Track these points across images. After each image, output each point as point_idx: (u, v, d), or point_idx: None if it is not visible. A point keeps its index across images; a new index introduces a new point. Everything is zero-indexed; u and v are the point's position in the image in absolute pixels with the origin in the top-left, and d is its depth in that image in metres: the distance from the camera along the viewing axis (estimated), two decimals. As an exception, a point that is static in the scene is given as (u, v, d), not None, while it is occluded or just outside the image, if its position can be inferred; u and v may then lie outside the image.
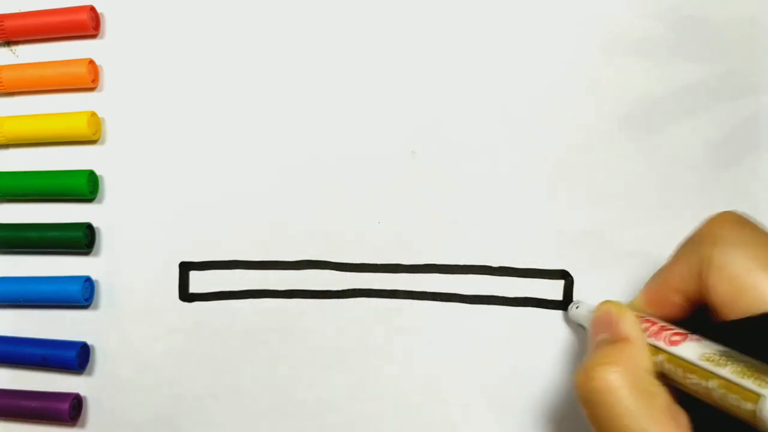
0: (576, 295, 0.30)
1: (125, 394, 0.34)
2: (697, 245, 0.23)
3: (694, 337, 0.22)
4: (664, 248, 0.30)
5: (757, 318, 0.19)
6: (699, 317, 0.23)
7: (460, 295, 0.31)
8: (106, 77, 0.34)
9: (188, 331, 0.33)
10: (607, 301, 0.25)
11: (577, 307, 0.29)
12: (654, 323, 0.23)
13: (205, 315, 0.33)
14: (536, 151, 0.31)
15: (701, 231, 0.23)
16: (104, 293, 0.34)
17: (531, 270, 0.31)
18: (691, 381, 0.21)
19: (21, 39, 0.35)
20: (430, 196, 0.32)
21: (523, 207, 0.31)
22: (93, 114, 0.34)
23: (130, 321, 0.34)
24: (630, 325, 0.23)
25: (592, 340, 0.25)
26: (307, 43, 0.33)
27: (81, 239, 0.33)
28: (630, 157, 0.30)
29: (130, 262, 0.34)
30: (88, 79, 0.34)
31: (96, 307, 0.34)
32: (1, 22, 0.34)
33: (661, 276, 0.25)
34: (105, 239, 0.34)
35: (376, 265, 0.32)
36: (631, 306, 0.25)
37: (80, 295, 0.33)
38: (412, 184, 0.32)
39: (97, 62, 0.34)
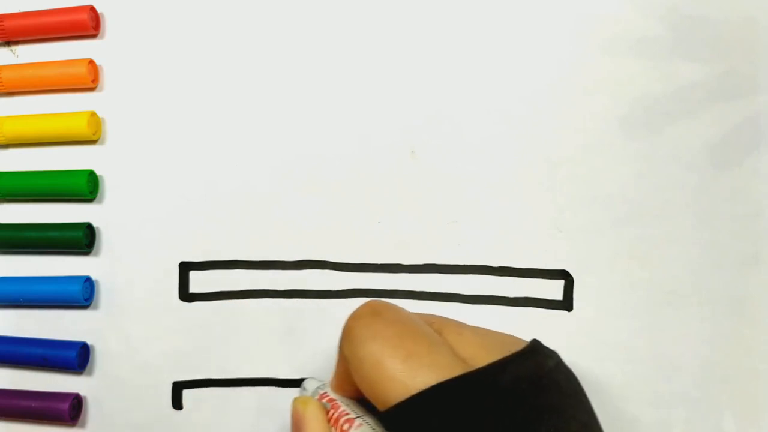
0: (576, 294, 0.30)
1: (125, 394, 0.34)
2: (341, 345, 0.23)
3: (360, 422, 0.22)
4: (664, 248, 0.30)
5: (392, 410, 0.20)
6: None
7: (460, 295, 0.31)
8: (106, 77, 0.34)
9: (188, 331, 0.33)
10: (295, 399, 0.26)
11: (304, 389, 0.29)
12: (337, 407, 0.24)
13: (205, 315, 0.33)
14: (536, 151, 0.31)
15: (343, 329, 0.23)
16: (104, 293, 0.34)
17: (531, 270, 0.31)
18: None
19: (21, 39, 0.35)
20: (430, 196, 0.32)
21: (523, 207, 0.31)
22: (93, 114, 0.34)
23: (130, 321, 0.34)
24: (310, 423, 0.24)
25: None
26: (307, 43, 0.33)
27: (81, 239, 0.33)
28: (630, 157, 0.30)
29: (130, 262, 0.34)
30: (88, 79, 0.34)
31: (96, 307, 0.34)
32: (1, 22, 0.34)
33: (335, 368, 0.25)
34: (105, 239, 0.34)
35: (376, 265, 0.32)
36: (330, 386, 0.26)
37: (80, 295, 0.33)
38: (412, 184, 0.32)
39: (97, 62, 0.34)
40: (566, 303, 0.31)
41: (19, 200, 0.35)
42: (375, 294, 0.32)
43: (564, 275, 0.31)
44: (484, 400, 0.19)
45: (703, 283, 0.30)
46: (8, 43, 0.35)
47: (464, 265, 0.31)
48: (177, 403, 0.33)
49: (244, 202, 0.33)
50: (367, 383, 0.21)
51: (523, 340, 0.23)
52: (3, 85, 0.34)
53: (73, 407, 0.33)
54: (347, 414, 0.23)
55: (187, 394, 0.33)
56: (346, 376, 0.23)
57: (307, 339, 0.32)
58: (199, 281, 0.33)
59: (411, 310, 0.31)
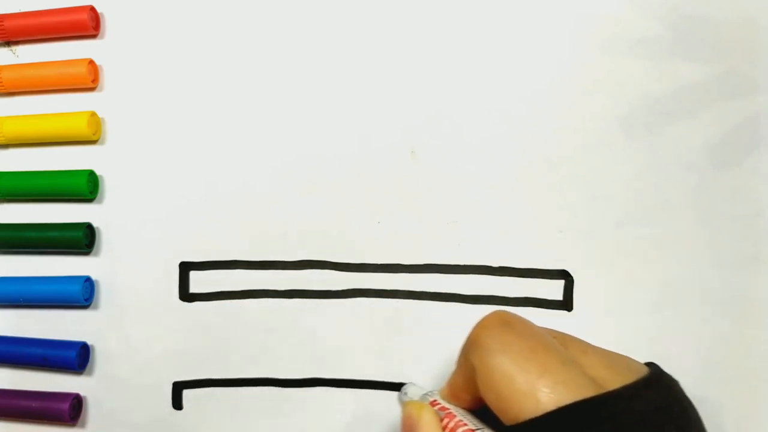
0: (576, 294, 0.30)
1: (125, 394, 0.34)
2: (467, 353, 0.23)
3: None
4: (664, 248, 0.30)
5: (522, 425, 0.19)
6: None
7: (460, 295, 0.31)
8: (106, 77, 0.34)
9: (188, 331, 0.33)
10: (409, 403, 0.26)
11: (405, 393, 0.30)
12: (452, 417, 0.24)
13: (205, 315, 0.33)
14: (536, 151, 0.31)
15: (469, 338, 0.23)
16: (104, 293, 0.34)
17: (531, 270, 0.31)
18: None
19: (21, 39, 0.35)
20: (430, 196, 0.32)
21: (523, 207, 0.31)
22: (93, 114, 0.34)
23: (130, 321, 0.34)
24: (426, 430, 0.24)
25: None
26: (307, 43, 0.33)
27: (81, 239, 0.33)
28: (630, 157, 0.30)
29: (130, 262, 0.34)
30: (88, 79, 0.34)
31: (96, 307, 0.34)
32: (1, 22, 0.34)
33: (452, 376, 0.25)
34: (105, 239, 0.34)
35: (376, 265, 0.32)
36: (441, 395, 0.26)
37: (80, 295, 0.33)
38: (412, 184, 0.32)
39: (97, 62, 0.34)
40: (566, 303, 0.31)
41: (19, 200, 0.35)
42: (375, 294, 0.32)
43: (564, 275, 0.31)
44: (619, 424, 0.19)
45: (703, 283, 0.30)
46: (8, 43, 0.35)
47: (464, 265, 0.31)
48: (177, 403, 0.33)
49: (244, 202, 0.33)
50: (495, 395, 0.21)
51: (641, 363, 0.23)
52: (3, 85, 0.34)
53: (73, 407, 0.33)
54: (465, 425, 0.23)
55: (187, 394, 0.33)
56: (465, 385, 0.23)
57: (307, 339, 0.32)
58: (199, 281, 0.33)
59: (411, 310, 0.32)
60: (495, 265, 0.31)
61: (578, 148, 0.31)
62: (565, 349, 0.22)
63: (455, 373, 0.25)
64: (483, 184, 0.31)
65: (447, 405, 0.25)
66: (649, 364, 0.23)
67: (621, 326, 0.30)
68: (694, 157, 0.30)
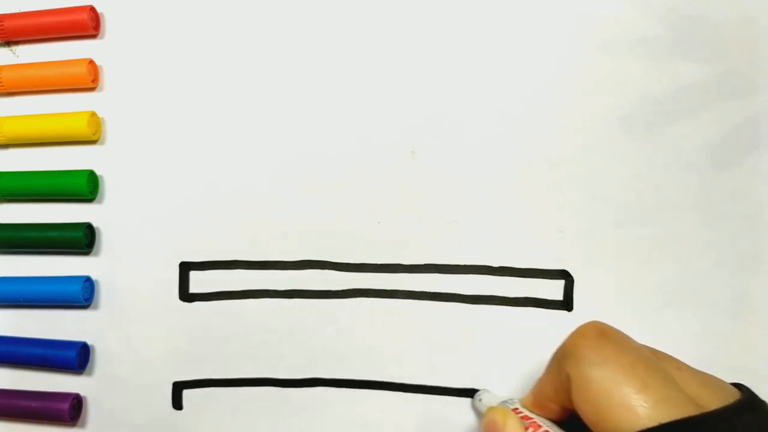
0: (576, 294, 0.30)
1: (125, 394, 0.34)
2: (561, 362, 0.23)
3: None
4: (664, 248, 0.30)
5: None
6: None
7: (460, 295, 0.31)
8: (106, 77, 0.34)
9: (188, 331, 0.33)
10: (492, 409, 0.26)
11: (480, 400, 0.30)
12: (537, 427, 0.24)
13: (205, 315, 0.33)
14: (536, 151, 0.31)
15: (565, 347, 0.23)
16: (104, 293, 0.34)
17: (531, 270, 0.31)
18: None
19: (21, 39, 0.35)
20: (430, 196, 0.32)
21: (523, 207, 0.31)
22: (93, 114, 0.34)
23: (130, 321, 0.34)
24: None
25: None
26: (307, 43, 0.33)
27: (81, 239, 0.33)
28: (630, 157, 0.30)
29: (130, 262, 0.34)
30: (88, 79, 0.34)
31: (96, 307, 0.34)
32: (1, 22, 0.34)
33: (539, 384, 0.25)
34: (105, 239, 0.34)
35: (376, 265, 0.32)
36: (522, 403, 0.26)
37: (80, 295, 0.33)
38: (412, 184, 0.32)
39: (97, 62, 0.34)
40: (566, 303, 0.31)
41: (19, 200, 0.35)
42: (375, 294, 0.32)
43: (564, 275, 0.31)
44: None
45: (703, 283, 0.30)
46: (8, 43, 0.35)
47: (464, 265, 0.31)
48: (177, 403, 0.33)
49: (244, 202, 0.33)
50: (593, 407, 0.21)
51: (729, 383, 0.23)
52: (3, 85, 0.34)
53: (73, 407, 0.33)
54: None
55: (187, 394, 0.33)
56: (555, 394, 0.23)
57: (307, 339, 0.32)
58: (199, 281, 0.33)
59: (411, 310, 0.32)
60: (495, 265, 0.31)
61: (578, 148, 0.31)
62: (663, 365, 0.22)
63: (543, 382, 0.24)
64: (483, 184, 0.31)
65: (530, 414, 0.25)
66: (738, 386, 0.23)
67: (621, 326, 0.30)
68: (694, 157, 0.30)
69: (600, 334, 0.22)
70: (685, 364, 0.23)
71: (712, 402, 0.20)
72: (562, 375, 0.22)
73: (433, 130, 0.32)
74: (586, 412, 0.21)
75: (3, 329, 0.35)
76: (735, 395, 0.21)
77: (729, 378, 0.23)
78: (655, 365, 0.21)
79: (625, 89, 0.30)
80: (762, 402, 0.22)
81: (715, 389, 0.22)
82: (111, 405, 0.34)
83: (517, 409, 0.25)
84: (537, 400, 0.25)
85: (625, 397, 0.20)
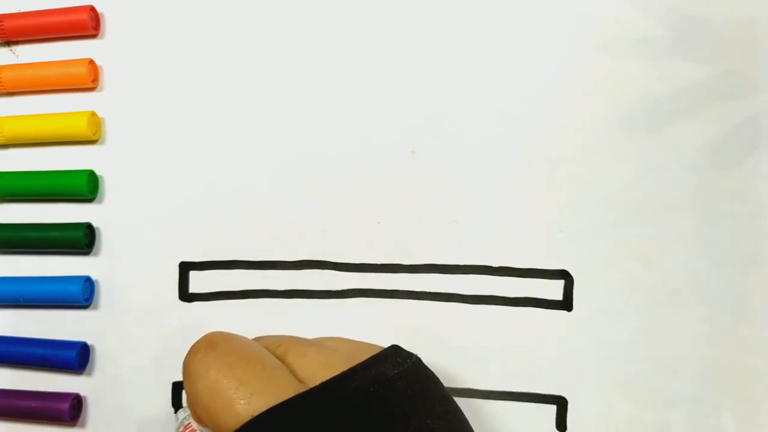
0: (576, 294, 0.30)
1: (125, 394, 0.34)
2: (183, 381, 0.23)
3: None
4: (664, 248, 0.30)
5: None
6: None
7: (460, 295, 0.31)
8: (106, 77, 0.34)
9: (188, 331, 0.33)
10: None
11: (177, 419, 0.29)
12: None
13: (205, 315, 0.33)
14: (536, 151, 0.31)
15: (182, 365, 0.23)
16: (104, 293, 0.34)
17: (531, 270, 0.31)
18: None
19: (21, 39, 0.35)
20: (430, 196, 0.32)
21: (523, 207, 0.31)
22: (93, 114, 0.34)
23: (130, 321, 0.34)
24: None
25: None
26: (307, 42, 0.33)
27: (81, 239, 0.33)
28: (630, 157, 0.30)
29: (130, 262, 0.34)
30: (88, 79, 0.34)
31: (96, 307, 0.34)
32: (1, 22, 0.34)
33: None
34: (105, 239, 0.34)
35: (376, 265, 0.32)
36: (193, 416, 0.25)
37: (80, 295, 0.33)
38: (412, 184, 0.32)
39: (97, 62, 0.34)
40: (566, 303, 0.31)
41: (19, 200, 0.35)
42: (375, 294, 0.32)
43: (564, 275, 0.31)
44: (318, 419, 0.19)
45: (703, 283, 0.30)
46: (8, 43, 0.35)
47: (464, 265, 0.31)
48: (177, 403, 0.33)
49: (244, 202, 0.33)
50: (206, 416, 0.21)
51: (379, 348, 0.23)
52: (3, 85, 0.34)
53: (73, 407, 0.33)
54: None
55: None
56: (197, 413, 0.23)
57: (307, 339, 0.32)
58: (199, 281, 0.33)
59: (411, 310, 0.32)
60: (495, 265, 0.31)
61: (578, 148, 0.31)
62: (285, 356, 0.22)
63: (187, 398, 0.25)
64: (483, 184, 0.31)
65: (196, 426, 0.25)
66: (387, 349, 0.23)
67: (621, 326, 0.30)
68: (694, 157, 0.30)
69: (208, 345, 0.23)
70: (315, 345, 0.23)
71: (325, 377, 0.20)
72: (186, 392, 0.23)
73: (433, 130, 0.32)
74: (205, 421, 0.21)
75: (3, 329, 0.35)
76: (354, 363, 0.21)
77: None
78: (258, 360, 0.22)
79: (625, 89, 0.30)
80: (388, 360, 0.22)
81: (338, 363, 0.22)
82: (111, 405, 0.34)
83: (189, 424, 0.26)
84: (192, 414, 0.25)
85: (225, 398, 0.20)
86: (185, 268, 0.33)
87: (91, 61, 0.34)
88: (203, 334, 0.23)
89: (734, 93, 0.30)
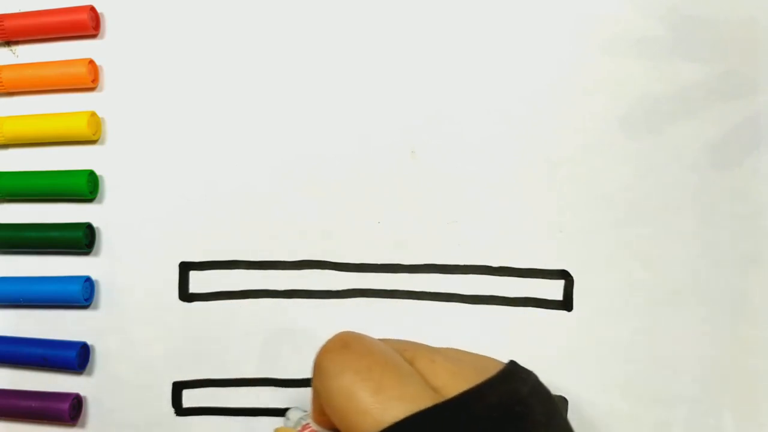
0: (576, 294, 0.30)
1: (125, 394, 0.34)
2: (313, 379, 0.23)
3: None
4: (664, 248, 0.30)
5: None
6: None
7: (460, 295, 0.31)
8: (106, 77, 0.34)
9: (188, 331, 0.33)
10: (277, 430, 0.26)
11: (288, 419, 0.30)
12: None
13: (205, 315, 0.33)
14: (536, 151, 0.31)
15: (313, 363, 0.23)
16: (104, 293, 0.34)
17: (531, 270, 0.31)
18: None
19: (21, 39, 0.35)
20: (430, 196, 0.32)
21: (523, 207, 0.31)
22: (93, 114, 0.34)
23: (130, 321, 0.34)
24: None
25: None
26: (307, 43, 0.33)
27: (81, 239, 0.33)
28: (630, 157, 0.30)
29: (130, 262, 0.34)
30: (88, 79, 0.34)
31: (96, 307, 0.34)
32: (1, 22, 0.34)
33: (312, 399, 0.25)
34: (105, 239, 0.34)
35: (376, 265, 0.32)
36: (312, 417, 0.26)
37: (80, 295, 0.33)
38: (412, 184, 0.32)
39: (97, 62, 0.34)
40: (566, 303, 0.31)
41: (19, 200, 0.35)
42: (375, 294, 0.32)
43: (564, 275, 0.31)
44: (455, 431, 0.19)
45: (703, 283, 0.30)
46: (8, 43, 0.35)
47: (464, 265, 0.31)
48: (177, 403, 0.33)
49: (244, 202, 0.33)
50: (338, 417, 0.21)
51: (501, 363, 0.23)
52: (3, 85, 0.34)
53: (73, 407, 0.33)
54: None
55: (187, 394, 0.33)
56: (322, 408, 0.23)
57: (307, 339, 0.32)
58: (199, 281, 0.33)
59: (411, 310, 0.32)
60: (495, 265, 0.31)
61: (578, 148, 0.31)
62: (413, 361, 0.22)
63: (312, 398, 0.25)
64: (483, 184, 0.31)
65: (316, 428, 0.25)
66: (509, 364, 0.23)
67: (621, 326, 0.30)
68: (694, 157, 0.30)
69: (342, 344, 0.23)
70: (442, 353, 0.23)
71: (458, 388, 0.20)
72: (316, 391, 0.23)
73: (433, 130, 0.32)
74: (336, 423, 0.21)
75: (3, 329, 0.35)
76: (489, 376, 0.21)
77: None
78: (393, 364, 0.21)
79: (625, 89, 0.30)
80: (518, 376, 0.22)
81: (468, 374, 0.21)
82: (111, 405, 0.34)
83: (308, 424, 0.26)
84: (316, 415, 0.25)
85: (361, 402, 0.20)
86: (185, 268, 0.33)
87: (91, 61, 0.34)
88: (335, 333, 0.23)
89: (734, 93, 0.30)
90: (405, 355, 0.23)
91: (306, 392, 0.32)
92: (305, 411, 0.29)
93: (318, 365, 0.23)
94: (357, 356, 0.22)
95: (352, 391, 0.20)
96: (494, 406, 0.20)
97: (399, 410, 0.19)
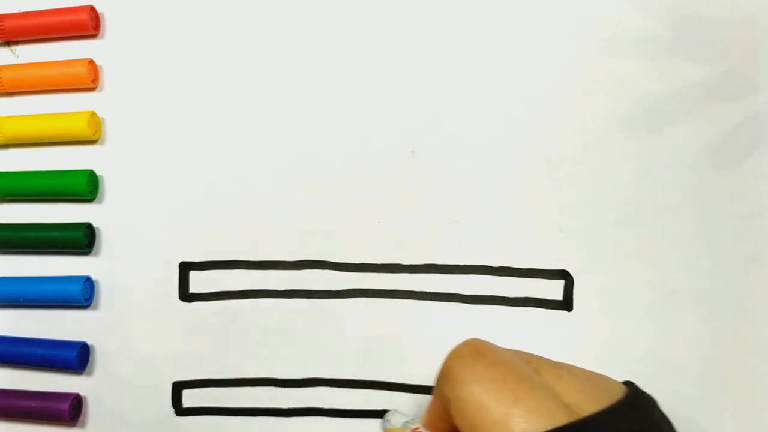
0: (576, 295, 0.30)
1: (125, 394, 0.34)
2: (440, 384, 0.23)
3: None
4: (664, 248, 0.30)
5: None
6: None
7: (460, 295, 0.31)
8: (106, 77, 0.34)
9: (188, 331, 0.33)
10: (388, 430, 0.26)
11: (388, 421, 0.30)
12: None
13: (205, 315, 0.33)
14: (536, 151, 0.31)
15: (442, 368, 0.23)
16: (104, 293, 0.34)
17: (531, 270, 0.31)
18: None
19: (21, 39, 0.35)
20: (430, 196, 0.32)
21: (523, 207, 0.31)
22: (93, 114, 0.34)
23: (130, 321, 0.34)
24: None
25: None
26: (307, 42, 0.33)
27: (81, 239, 0.33)
28: (630, 157, 0.30)
29: (130, 262, 0.34)
30: (88, 79, 0.34)
31: (96, 307, 0.34)
32: (1, 22, 0.34)
33: (429, 406, 0.25)
34: (105, 239, 0.34)
35: (376, 265, 0.32)
36: (422, 422, 0.26)
37: (80, 295, 0.33)
38: (412, 184, 0.32)
39: (97, 62, 0.34)
40: (566, 303, 0.31)
41: (19, 200, 0.35)
42: (375, 294, 0.32)
43: (564, 275, 0.31)
44: None
45: (703, 283, 0.30)
46: (8, 43, 0.35)
47: (464, 265, 0.31)
48: (177, 403, 0.33)
49: (244, 202, 0.33)
50: (469, 425, 0.21)
51: (618, 383, 0.23)
52: (3, 85, 0.34)
53: (73, 407, 0.33)
54: None
55: (187, 394, 0.33)
56: (443, 414, 0.23)
57: (307, 339, 0.32)
58: (199, 281, 0.33)
59: (411, 310, 0.32)
60: (495, 265, 0.31)
61: (578, 148, 0.31)
62: (540, 375, 0.22)
63: (432, 403, 0.25)
64: (483, 184, 0.31)
65: None
66: (627, 384, 0.23)
67: (621, 326, 0.30)
68: (694, 157, 0.30)
69: (473, 351, 0.22)
70: (568, 370, 0.23)
71: (589, 407, 0.20)
72: (443, 396, 0.22)
73: (433, 130, 0.32)
74: (465, 430, 0.21)
75: (3, 329, 0.35)
76: (617, 397, 0.21)
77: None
78: (528, 377, 0.21)
79: (625, 89, 0.30)
80: (645, 401, 0.22)
81: (596, 393, 0.21)
82: (111, 405, 0.34)
83: (417, 428, 0.25)
84: (430, 420, 0.25)
85: (496, 413, 0.20)
86: (185, 268, 0.33)
87: (91, 61, 0.34)
88: (464, 340, 0.23)
89: (734, 93, 0.30)
90: (530, 366, 0.22)
91: (307, 392, 0.32)
92: (406, 415, 0.29)
93: (448, 371, 0.22)
94: (490, 365, 0.22)
95: (485, 401, 0.20)
96: (630, 429, 0.20)
97: (536, 424, 0.19)
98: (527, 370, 0.22)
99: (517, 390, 0.20)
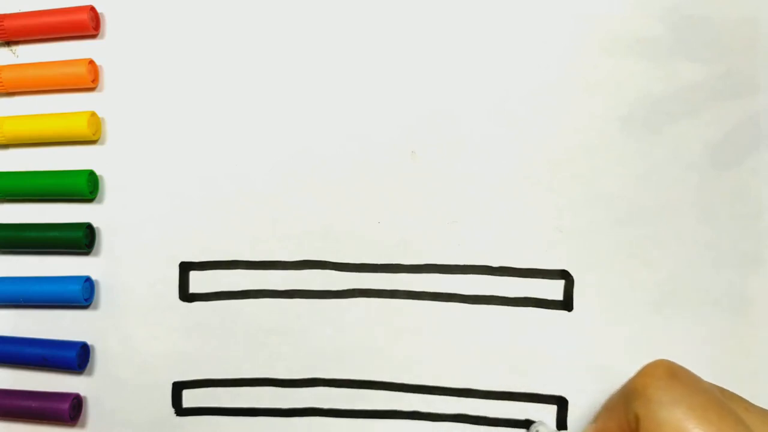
0: (576, 295, 0.30)
1: (125, 394, 0.34)
2: (629, 401, 0.23)
3: None
4: (664, 248, 0.30)
5: None
6: None
7: (460, 295, 0.31)
8: (106, 77, 0.34)
9: (188, 331, 0.33)
10: None
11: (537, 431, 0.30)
12: None
13: (205, 315, 0.33)
14: (536, 151, 0.31)
15: (633, 386, 0.23)
16: (104, 293, 0.34)
17: (531, 270, 0.31)
18: None
19: (21, 39, 0.35)
20: (430, 196, 0.32)
21: (523, 207, 0.31)
22: (93, 114, 0.34)
23: (130, 321, 0.34)
24: None
25: None
26: (307, 42, 0.33)
27: (81, 239, 0.33)
28: (630, 157, 0.30)
29: (130, 262, 0.34)
30: (88, 79, 0.34)
31: (96, 307, 0.34)
32: (1, 22, 0.34)
33: (601, 420, 0.25)
34: (105, 239, 0.34)
35: (376, 265, 0.32)
36: None
37: (80, 295, 0.33)
38: (412, 184, 0.32)
39: (97, 62, 0.34)
40: (566, 303, 0.31)
41: (19, 200, 0.35)
42: (375, 294, 0.32)
43: (564, 275, 0.31)
44: None
45: (703, 283, 0.30)
46: (8, 43, 0.35)
47: (464, 265, 0.31)
48: (177, 403, 0.33)
49: (244, 202, 0.33)
50: None
51: None
52: (3, 85, 0.34)
53: (73, 407, 0.33)
54: None
55: (187, 394, 0.33)
56: (620, 430, 0.23)
57: (307, 339, 0.32)
58: (199, 281, 0.33)
59: (411, 310, 0.32)
60: (495, 265, 0.31)
61: (578, 148, 0.31)
62: (732, 404, 0.22)
63: (606, 419, 0.24)
64: (483, 184, 0.31)
65: None
66: None
67: (621, 326, 0.30)
68: (694, 157, 0.30)
69: (670, 373, 0.22)
70: (751, 404, 0.23)
71: None
72: (630, 414, 0.22)
73: (433, 130, 0.32)
74: None
75: (3, 329, 0.35)
76: None
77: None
78: (726, 408, 0.21)
79: (625, 89, 0.30)
80: None
81: None
82: (111, 405, 0.34)
83: None
84: None
85: None
86: (185, 268, 0.33)
87: (91, 61, 0.34)
88: (656, 359, 0.23)
89: (734, 93, 0.30)
90: (723, 396, 0.22)
91: (307, 392, 0.32)
92: (553, 429, 0.29)
93: (642, 390, 0.22)
94: (690, 391, 0.21)
95: (686, 427, 0.20)
96: None
97: None
98: (724, 401, 0.22)
99: (718, 421, 0.20)
